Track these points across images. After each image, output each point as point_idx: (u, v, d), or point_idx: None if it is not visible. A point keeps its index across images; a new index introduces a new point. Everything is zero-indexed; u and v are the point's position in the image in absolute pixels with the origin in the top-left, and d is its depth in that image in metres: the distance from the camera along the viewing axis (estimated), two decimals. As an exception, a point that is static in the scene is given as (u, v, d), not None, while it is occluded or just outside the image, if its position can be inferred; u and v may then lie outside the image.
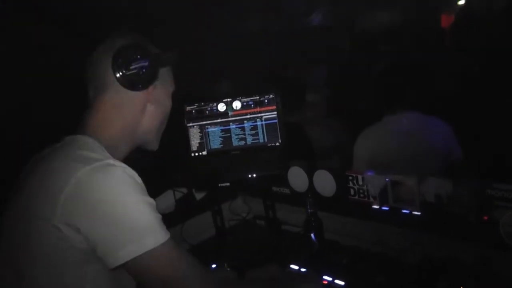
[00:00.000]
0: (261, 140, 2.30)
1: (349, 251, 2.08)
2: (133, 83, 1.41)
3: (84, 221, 1.17)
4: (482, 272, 1.68)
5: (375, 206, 2.18)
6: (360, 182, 2.20)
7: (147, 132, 1.52)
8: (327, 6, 5.00)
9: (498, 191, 1.81)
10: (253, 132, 2.31)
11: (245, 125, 2.31)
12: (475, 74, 3.53)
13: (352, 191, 2.24)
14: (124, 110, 1.43)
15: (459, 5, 4.47)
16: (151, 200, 1.28)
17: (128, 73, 1.39)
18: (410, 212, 2.08)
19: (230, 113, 2.32)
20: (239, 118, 2.32)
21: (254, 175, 2.28)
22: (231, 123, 2.32)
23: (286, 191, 2.50)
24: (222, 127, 2.33)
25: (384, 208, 2.16)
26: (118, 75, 1.38)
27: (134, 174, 1.28)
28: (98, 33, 1.53)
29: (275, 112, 2.28)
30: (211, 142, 2.35)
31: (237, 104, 2.31)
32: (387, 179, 2.11)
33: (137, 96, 1.44)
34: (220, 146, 2.34)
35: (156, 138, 1.57)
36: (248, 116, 2.31)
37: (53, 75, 2.85)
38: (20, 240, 1.23)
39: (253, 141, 2.31)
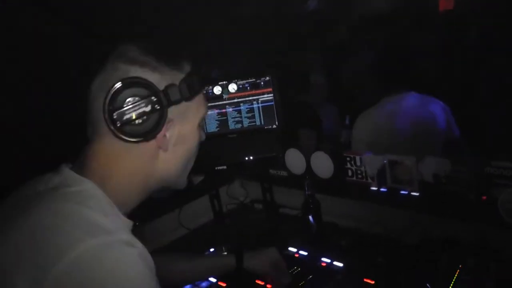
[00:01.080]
0: (258, 123, 2.28)
1: (347, 233, 2.07)
2: (131, 135, 1.04)
3: None
4: (481, 250, 1.67)
5: (373, 188, 2.17)
6: (358, 163, 2.19)
7: (166, 178, 1.17)
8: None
9: (497, 169, 1.80)
10: (250, 115, 2.29)
11: (242, 108, 2.29)
12: (472, 55, 3.51)
13: (350, 172, 2.23)
14: (127, 161, 1.09)
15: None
16: (150, 277, 0.98)
17: (121, 124, 1.02)
18: (409, 193, 2.07)
19: (225, 96, 2.30)
20: (235, 101, 2.30)
21: (251, 158, 2.27)
22: (227, 106, 2.30)
23: (284, 173, 2.49)
24: (218, 110, 2.31)
25: (382, 189, 2.15)
26: (109, 123, 1.02)
27: (148, 257, 0.99)
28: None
29: (272, 95, 2.26)
30: (207, 126, 2.33)
31: (233, 87, 2.29)
32: (385, 160, 2.10)
33: (143, 145, 1.07)
34: (216, 130, 2.32)
35: (182, 177, 1.22)
36: (244, 99, 2.29)
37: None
38: None
39: (249, 124, 2.29)
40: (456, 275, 1.58)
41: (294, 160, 2.37)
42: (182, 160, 1.18)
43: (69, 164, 1.12)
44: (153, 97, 1.03)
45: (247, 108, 2.28)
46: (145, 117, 1.03)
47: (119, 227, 0.98)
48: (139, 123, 1.03)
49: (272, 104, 2.26)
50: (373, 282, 1.63)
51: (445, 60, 3.56)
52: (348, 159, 2.22)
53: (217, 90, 2.30)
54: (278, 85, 2.28)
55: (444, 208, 1.92)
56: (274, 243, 1.84)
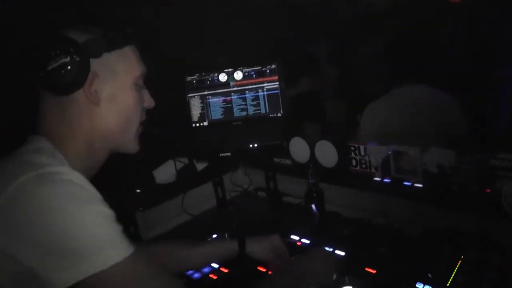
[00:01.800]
0: (263, 111, 2.28)
1: (350, 222, 2.07)
2: (54, 87, 1.13)
3: (16, 240, 0.96)
4: (484, 241, 1.67)
5: (377, 178, 2.17)
6: (362, 153, 2.18)
7: (109, 137, 1.24)
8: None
9: (502, 161, 1.80)
10: (255, 102, 2.29)
11: (247, 95, 2.29)
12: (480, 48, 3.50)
13: (354, 162, 2.23)
14: (67, 117, 1.18)
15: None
16: (106, 210, 1.06)
17: (45, 75, 1.11)
18: (412, 184, 2.07)
19: (231, 84, 2.30)
20: (240, 88, 2.30)
21: (256, 146, 2.27)
22: (232, 94, 2.30)
23: (288, 162, 2.49)
24: (224, 98, 2.31)
25: (386, 180, 2.15)
26: (34, 76, 1.12)
27: (86, 183, 1.06)
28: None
29: (277, 83, 2.26)
30: (212, 113, 2.33)
31: (238, 75, 2.29)
32: (389, 150, 2.09)
33: (73, 99, 1.16)
34: (221, 117, 2.32)
35: (127, 139, 1.29)
36: (249, 87, 2.29)
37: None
38: None
39: (254, 112, 2.29)
40: (458, 266, 1.58)
41: (298, 148, 2.37)
42: (120, 119, 1.24)
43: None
44: (71, 49, 1.11)
45: (252, 96, 2.28)
46: (67, 68, 1.11)
47: (58, 163, 1.08)
48: (62, 74, 1.11)
49: (278, 93, 2.26)
50: (374, 271, 1.63)
51: (454, 52, 3.55)
52: (352, 148, 2.21)
53: (222, 77, 2.30)
54: (284, 73, 2.27)
55: (447, 200, 1.92)
56: (277, 231, 1.84)
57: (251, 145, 2.27)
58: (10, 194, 0.97)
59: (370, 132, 2.68)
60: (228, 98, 2.31)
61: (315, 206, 2.02)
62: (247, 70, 2.29)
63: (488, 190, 1.86)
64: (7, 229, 0.97)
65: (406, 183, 2.09)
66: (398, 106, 2.63)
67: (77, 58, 1.12)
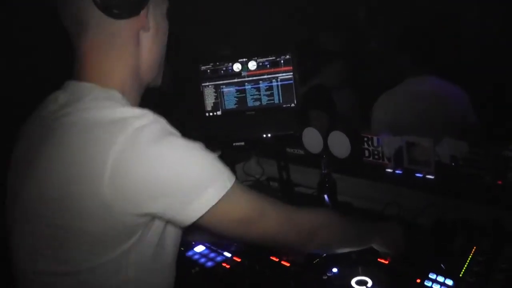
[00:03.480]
0: (276, 101, 2.29)
1: (362, 213, 2.09)
2: (120, 9, 1.10)
3: (144, 194, 1.00)
4: (496, 232, 1.68)
5: (389, 170, 2.18)
6: (375, 144, 2.19)
7: (150, 68, 1.25)
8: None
9: (515, 153, 1.80)
10: (269, 92, 2.29)
11: (261, 85, 2.30)
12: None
13: (366, 153, 2.24)
14: (116, 47, 1.15)
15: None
16: (197, 143, 1.09)
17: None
18: (424, 176, 2.08)
19: (245, 73, 2.31)
20: (254, 78, 2.30)
21: (269, 135, 2.28)
22: (246, 83, 2.31)
23: (300, 152, 2.50)
24: (237, 87, 2.32)
25: (398, 171, 2.16)
26: (100, 5, 1.07)
27: (164, 122, 1.07)
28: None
29: (291, 73, 2.26)
30: (226, 102, 2.34)
31: (252, 64, 2.29)
32: (403, 141, 2.10)
33: (126, 26, 1.14)
34: (235, 106, 2.33)
35: (159, 72, 1.30)
36: (263, 77, 2.29)
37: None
38: (59, 222, 1.02)
39: (268, 102, 2.30)
40: (470, 256, 1.60)
41: (311, 139, 2.38)
42: (159, 49, 1.26)
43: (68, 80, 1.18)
44: None
45: (266, 86, 2.29)
46: None
47: (142, 112, 1.05)
48: None
49: (292, 83, 2.27)
50: (387, 262, 1.65)
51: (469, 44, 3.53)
52: (365, 139, 2.22)
53: (236, 67, 2.31)
54: (298, 63, 2.28)
55: (459, 191, 1.93)
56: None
57: (264, 135, 2.28)
58: (119, 154, 0.97)
59: (382, 121, 2.69)
60: (242, 87, 2.32)
61: (328, 196, 2.03)
62: (261, 60, 2.29)
63: (500, 182, 1.87)
64: (135, 181, 0.99)
65: (418, 174, 2.10)
66: (411, 96, 2.63)
67: None
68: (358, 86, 3.70)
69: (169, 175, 1.02)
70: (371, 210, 2.10)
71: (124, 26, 1.13)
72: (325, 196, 2.04)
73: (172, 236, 1.21)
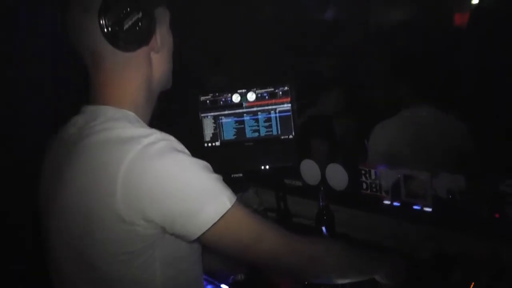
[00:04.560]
0: (275, 132, 2.31)
1: (360, 245, 2.09)
2: (133, 43, 1.19)
3: (149, 204, 1.07)
4: (494, 267, 1.68)
5: (387, 202, 2.19)
6: (373, 176, 2.20)
7: (161, 80, 1.33)
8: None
9: (511, 188, 1.81)
10: (267, 124, 2.32)
11: (259, 116, 2.32)
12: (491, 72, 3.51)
13: (364, 185, 2.25)
14: (131, 72, 1.23)
15: (473, 4, 4.44)
16: (204, 162, 1.16)
17: (123, 35, 1.15)
18: (422, 208, 2.08)
19: (244, 104, 2.33)
20: (253, 109, 2.33)
21: (267, 167, 2.30)
22: (245, 114, 2.33)
23: (298, 183, 2.51)
24: (236, 118, 2.34)
25: (395, 203, 2.17)
26: (112, 41, 1.15)
27: (175, 139, 1.15)
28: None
29: (289, 105, 2.29)
30: (224, 133, 2.36)
31: (251, 96, 2.32)
32: (400, 174, 2.11)
33: (136, 54, 1.22)
34: (233, 137, 2.35)
35: (169, 79, 1.38)
36: (262, 108, 2.32)
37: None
38: (83, 232, 1.13)
39: (266, 133, 2.32)
40: (468, 292, 1.60)
41: (309, 170, 2.39)
42: (169, 59, 1.34)
43: (85, 104, 1.27)
44: (141, 4, 1.17)
45: (264, 117, 2.32)
46: (140, 23, 1.16)
47: (150, 131, 1.14)
48: (137, 29, 1.16)
49: (290, 115, 2.29)
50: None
51: (465, 75, 3.56)
52: (363, 172, 2.23)
53: (236, 98, 2.34)
54: (296, 95, 2.30)
55: (457, 224, 1.94)
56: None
57: (262, 167, 2.29)
58: (129, 169, 1.06)
59: (378, 152, 2.70)
60: (241, 118, 2.34)
61: (326, 228, 2.04)
62: (260, 91, 2.32)
63: (498, 215, 1.87)
64: (144, 194, 1.06)
65: (415, 206, 2.11)
66: (406, 127, 2.65)
67: (147, 11, 1.18)
68: (357, 114, 3.71)
69: (172, 187, 1.08)
70: (369, 242, 2.09)
71: (135, 54, 1.21)
72: (323, 228, 2.04)
73: (189, 252, 1.26)
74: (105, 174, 1.08)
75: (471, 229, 1.88)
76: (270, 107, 2.31)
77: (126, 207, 1.07)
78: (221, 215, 1.10)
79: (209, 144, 2.38)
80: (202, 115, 2.38)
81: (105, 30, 1.13)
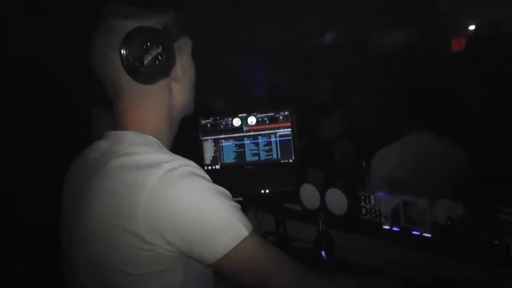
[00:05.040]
0: (275, 156, 2.33)
1: (360, 270, 2.09)
2: (153, 77, 1.24)
3: (169, 228, 1.11)
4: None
5: (386, 226, 2.19)
6: (373, 202, 2.21)
7: (183, 107, 1.37)
8: (340, 25, 5.03)
9: (510, 216, 1.82)
10: (267, 148, 2.33)
11: (259, 140, 2.34)
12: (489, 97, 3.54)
13: (364, 211, 2.26)
14: (152, 102, 1.28)
15: (470, 30, 4.50)
16: (223, 189, 1.21)
17: (143, 69, 1.20)
18: (421, 234, 2.09)
19: (245, 128, 2.35)
20: (253, 133, 2.35)
21: (267, 191, 2.31)
22: (245, 138, 2.35)
23: (298, 207, 2.52)
24: (237, 142, 2.36)
25: (395, 228, 2.17)
26: (132, 73, 1.20)
27: (195, 166, 1.20)
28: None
29: (290, 129, 2.31)
30: (224, 156, 2.37)
31: (252, 120, 2.34)
32: (399, 200, 2.12)
33: (157, 85, 1.27)
34: (233, 161, 2.37)
35: (191, 106, 1.41)
36: (262, 132, 2.34)
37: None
38: (102, 253, 1.17)
39: (266, 157, 2.34)
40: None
41: (309, 195, 2.40)
42: (190, 87, 1.38)
43: (109, 130, 1.32)
44: (160, 38, 1.21)
45: (265, 141, 2.33)
46: (159, 57, 1.21)
47: (172, 157, 1.18)
48: (157, 64, 1.21)
49: (290, 139, 2.31)
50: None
51: (464, 100, 3.58)
52: (362, 197, 2.24)
53: (236, 122, 2.36)
54: (297, 119, 2.33)
55: (456, 250, 1.94)
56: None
57: (262, 191, 2.30)
58: (151, 192, 1.10)
59: (381, 178, 2.71)
60: (241, 142, 2.36)
61: (325, 252, 2.04)
62: (260, 115, 2.34)
63: (496, 242, 1.88)
64: (165, 216, 1.10)
65: (415, 232, 2.11)
66: (409, 153, 2.67)
67: (167, 45, 1.23)
68: (356, 139, 3.73)
69: (191, 213, 1.12)
70: (369, 267, 2.10)
71: (156, 85, 1.26)
72: (323, 252, 2.04)
73: (205, 277, 1.28)
74: (128, 197, 1.11)
75: (470, 255, 1.89)
76: (270, 131, 2.33)
77: (147, 229, 1.10)
78: (237, 243, 1.12)
79: (209, 167, 2.40)
80: (203, 138, 2.39)
81: (126, 64, 1.18)
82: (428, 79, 3.29)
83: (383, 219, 2.20)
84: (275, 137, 2.32)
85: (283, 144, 2.32)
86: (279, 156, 2.32)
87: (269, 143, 2.33)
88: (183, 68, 1.32)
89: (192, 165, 1.18)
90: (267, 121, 2.34)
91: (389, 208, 2.15)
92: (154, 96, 1.28)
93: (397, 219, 2.14)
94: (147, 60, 1.19)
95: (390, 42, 4.66)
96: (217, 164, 2.39)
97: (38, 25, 3.15)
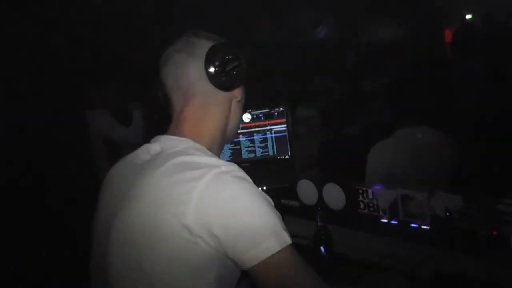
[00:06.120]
0: (271, 153, 2.31)
1: (359, 265, 2.08)
2: (228, 84, 1.36)
3: (218, 222, 1.16)
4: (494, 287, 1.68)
5: (384, 220, 2.19)
6: (370, 196, 2.21)
7: (234, 129, 1.49)
8: (331, 20, 5.03)
9: (509, 207, 1.82)
10: (263, 144, 2.31)
11: (255, 137, 2.32)
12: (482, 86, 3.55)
13: (362, 205, 2.25)
14: (214, 113, 1.40)
15: (468, 19, 4.51)
16: (269, 198, 1.28)
17: (224, 74, 1.34)
18: (419, 226, 2.09)
19: (240, 126, 2.33)
20: (249, 130, 2.32)
21: (264, 188, 2.29)
22: (240, 136, 2.33)
23: (295, 203, 2.51)
24: (232, 139, 2.34)
25: (393, 222, 2.17)
26: (213, 77, 1.34)
27: (247, 175, 1.28)
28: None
29: (285, 125, 2.29)
30: (220, 155, 2.35)
31: (247, 117, 2.32)
32: (397, 194, 2.12)
33: (224, 96, 1.39)
34: (229, 158, 2.34)
35: (237, 131, 1.56)
36: (258, 129, 2.31)
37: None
38: (148, 245, 1.21)
39: (262, 154, 2.31)
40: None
41: (306, 191, 2.39)
42: (241, 112, 1.50)
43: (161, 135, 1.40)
44: (239, 54, 1.36)
45: (260, 138, 2.31)
46: (237, 69, 1.35)
47: (227, 162, 1.27)
48: (234, 74, 1.35)
49: (285, 135, 2.29)
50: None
51: (457, 92, 3.59)
52: (360, 191, 2.24)
53: (231, 119, 2.33)
54: (292, 115, 2.31)
55: (455, 243, 1.94)
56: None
57: (259, 188, 2.29)
58: (204, 189, 1.17)
59: (376, 173, 2.71)
60: (237, 139, 2.33)
61: (324, 248, 2.03)
62: (255, 112, 2.32)
63: (495, 233, 1.88)
64: (214, 213, 1.16)
65: (413, 225, 2.11)
66: (403, 147, 2.66)
67: (242, 63, 1.37)
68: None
69: (242, 212, 1.18)
70: (368, 261, 2.09)
71: (223, 97, 1.39)
72: (321, 248, 2.03)
73: (237, 281, 1.31)
74: (183, 187, 1.18)
75: (469, 247, 1.89)
76: (266, 128, 2.31)
77: (196, 221, 1.15)
78: (281, 248, 1.16)
79: (205, 166, 2.38)
80: (198, 136, 2.37)
81: (211, 70, 1.32)
82: (420, 71, 3.30)
83: (381, 213, 2.19)
84: (271, 133, 2.30)
85: (279, 140, 2.30)
86: (275, 153, 2.30)
87: (264, 140, 2.31)
88: (243, 91, 1.43)
89: (244, 172, 1.26)
90: (262, 118, 2.31)
91: (387, 202, 2.15)
92: (218, 107, 1.39)
93: (395, 212, 2.14)
94: (227, 68, 1.33)
95: (382, 35, 4.66)
96: (213, 162, 2.37)
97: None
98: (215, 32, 1.42)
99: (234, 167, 1.24)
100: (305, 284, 1.21)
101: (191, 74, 1.35)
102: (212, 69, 1.33)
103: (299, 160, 3.28)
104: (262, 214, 1.20)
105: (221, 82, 1.35)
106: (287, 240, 1.19)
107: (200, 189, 1.17)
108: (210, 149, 1.35)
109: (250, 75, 1.46)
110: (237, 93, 1.41)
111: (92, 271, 1.38)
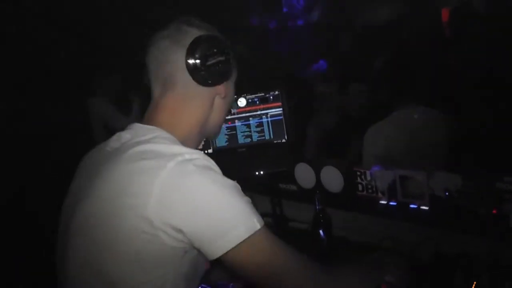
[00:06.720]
0: (267, 137, 2.29)
1: (358, 247, 2.07)
2: (207, 79, 1.30)
3: (182, 213, 1.13)
4: (496, 266, 1.67)
5: (383, 202, 2.17)
6: (368, 178, 2.19)
7: (215, 126, 1.44)
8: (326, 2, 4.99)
9: (508, 185, 1.80)
10: (259, 129, 2.29)
11: (251, 122, 2.30)
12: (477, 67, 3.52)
13: (360, 187, 2.23)
14: (193, 106, 1.34)
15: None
16: (236, 184, 1.24)
17: (204, 68, 1.28)
18: (418, 207, 2.08)
19: (235, 110, 2.31)
20: (244, 115, 2.30)
21: (261, 172, 2.27)
22: (236, 120, 2.31)
23: (293, 187, 2.49)
24: (228, 125, 2.32)
25: (392, 203, 2.16)
26: (192, 70, 1.28)
27: (213, 162, 1.24)
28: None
29: (281, 109, 2.27)
30: (216, 140, 2.33)
31: (242, 101, 2.30)
32: (395, 175, 2.10)
33: (207, 91, 1.34)
34: (226, 144, 2.33)
35: (219, 130, 1.49)
36: (253, 113, 2.29)
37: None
38: (105, 237, 1.17)
39: (259, 138, 2.30)
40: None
41: (304, 174, 2.37)
42: (225, 111, 1.45)
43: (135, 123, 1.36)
44: (226, 49, 1.32)
45: (256, 122, 2.29)
46: (220, 65, 1.30)
47: (193, 150, 1.22)
48: (217, 69, 1.30)
49: (281, 119, 2.27)
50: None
51: (452, 71, 3.57)
52: (358, 173, 2.22)
53: (226, 104, 2.31)
54: (287, 99, 2.28)
55: (455, 223, 1.93)
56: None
57: (256, 173, 2.27)
58: (165, 179, 1.13)
59: (373, 156, 2.69)
60: (232, 124, 2.31)
61: (323, 231, 2.02)
62: (250, 96, 2.29)
63: (495, 211, 1.87)
64: (176, 204, 1.13)
65: (412, 205, 2.10)
66: (401, 128, 2.65)
67: (229, 58, 1.33)
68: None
69: (206, 202, 1.15)
70: (367, 244, 2.08)
71: (205, 91, 1.34)
72: (320, 231, 2.02)
73: (199, 271, 1.32)
74: (144, 177, 1.14)
75: (469, 227, 1.88)
76: (261, 112, 2.29)
77: (157, 212, 1.12)
78: (249, 235, 1.14)
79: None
80: (193, 122, 2.35)
81: (189, 63, 1.27)
82: (416, 51, 3.27)
83: (380, 194, 2.18)
84: (267, 117, 2.28)
85: (275, 124, 2.28)
86: (272, 137, 2.28)
87: (260, 124, 2.29)
88: (228, 89, 1.40)
89: (209, 160, 1.22)
90: (258, 102, 2.29)
91: (385, 183, 2.13)
92: (199, 102, 1.34)
93: (394, 193, 2.13)
94: (209, 62, 1.28)
95: (378, 16, 4.62)
96: (210, 149, 2.35)
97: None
98: (215, 22, 1.39)
99: (198, 155, 1.20)
100: (281, 265, 1.20)
101: (173, 63, 1.30)
102: (191, 61, 1.27)
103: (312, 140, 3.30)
104: (227, 202, 1.17)
105: (200, 76, 1.29)
106: (256, 225, 1.16)
107: (161, 179, 1.13)
108: (183, 141, 1.29)
109: (236, 73, 1.44)
110: (221, 90, 1.36)
111: (57, 265, 1.34)
